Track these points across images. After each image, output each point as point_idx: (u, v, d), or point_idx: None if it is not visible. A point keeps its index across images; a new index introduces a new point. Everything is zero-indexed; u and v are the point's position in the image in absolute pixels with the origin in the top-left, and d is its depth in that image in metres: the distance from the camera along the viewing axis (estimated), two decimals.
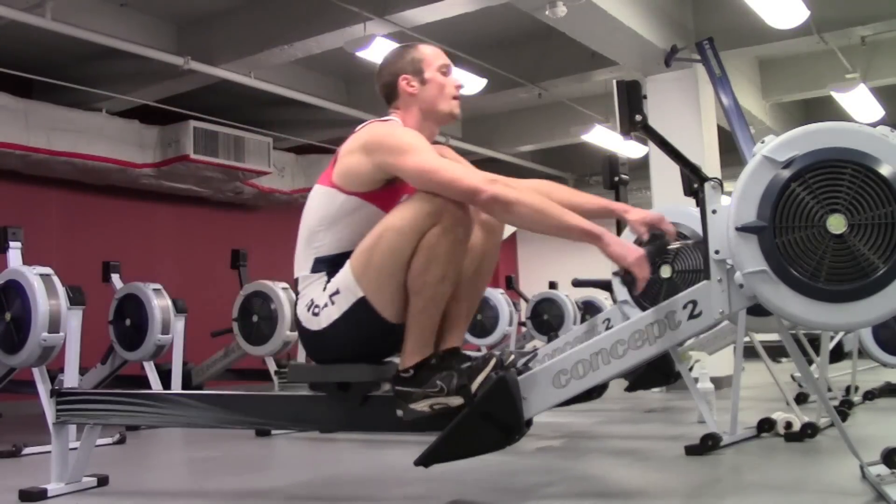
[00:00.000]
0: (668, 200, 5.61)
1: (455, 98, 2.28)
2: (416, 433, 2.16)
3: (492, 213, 2.07)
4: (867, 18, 5.84)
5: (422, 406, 2.04)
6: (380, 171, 2.10)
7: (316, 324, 2.10)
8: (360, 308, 2.05)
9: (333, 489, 2.66)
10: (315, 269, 2.15)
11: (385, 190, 2.14)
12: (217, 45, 5.87)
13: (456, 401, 2.03)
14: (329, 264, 2.13)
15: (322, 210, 2.16)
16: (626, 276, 1.99)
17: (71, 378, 3.44)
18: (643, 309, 2.91)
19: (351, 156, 2.13)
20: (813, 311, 1.94)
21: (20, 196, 6.58)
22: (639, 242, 2.22)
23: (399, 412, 2.07)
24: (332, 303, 2.07)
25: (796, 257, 1.94)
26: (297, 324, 2.18)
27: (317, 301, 2.10)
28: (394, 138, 2.12)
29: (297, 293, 2.20)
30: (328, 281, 2.11)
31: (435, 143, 2.23)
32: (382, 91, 2.31)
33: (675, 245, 2.06)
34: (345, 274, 2.07)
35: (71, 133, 6.25)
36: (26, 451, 3.51)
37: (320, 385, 2.18)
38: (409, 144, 2.08)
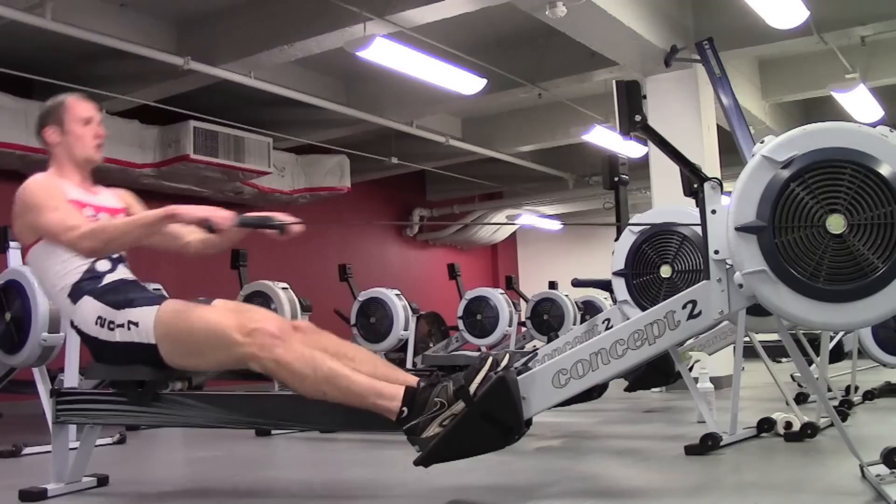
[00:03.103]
0: (668, 200, 5.61)
1: (96, 146, 2.57)
2: None
3: (84, 246, 2.32)
4: (867, 18, 5.84)
5: (433, 430, 2.05)
6: (31, 230, 2.41)
7: (110, 336, 2.34)
8: (150, 347, 2.31)
9: (333, 489, 2.66)
10: (76, 297, 2.38)
11: None
12: (217, 45, 5.86)
13: (459, 406, 2.03)
14: (78, 290, 2.38)
15: (38, 265, 2.44)
16: (207, 228, 2.28)
17: (71, 378, 3.44)
18: (643, 309, 2.91)
19: (15, 223, 2.44)
20: (813, 311, 1.95)
21: None
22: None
23: (417, 449, 2.08)
24: (129, 329, 2.32)
25: (796, 257, 1.94)
26: (77, 329, 2.41)
27: (110, 319, 2.34)
28: (29, 197, 2.39)
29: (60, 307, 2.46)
30: (103, 304, 2.35)
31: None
32: (39, 143, 2.58)
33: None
34: (148, 317, 2.31)
35: None
36: (26, 451, 3.51)
37: (121, 383, 2.45)
38: (39, 203, 2.37)
